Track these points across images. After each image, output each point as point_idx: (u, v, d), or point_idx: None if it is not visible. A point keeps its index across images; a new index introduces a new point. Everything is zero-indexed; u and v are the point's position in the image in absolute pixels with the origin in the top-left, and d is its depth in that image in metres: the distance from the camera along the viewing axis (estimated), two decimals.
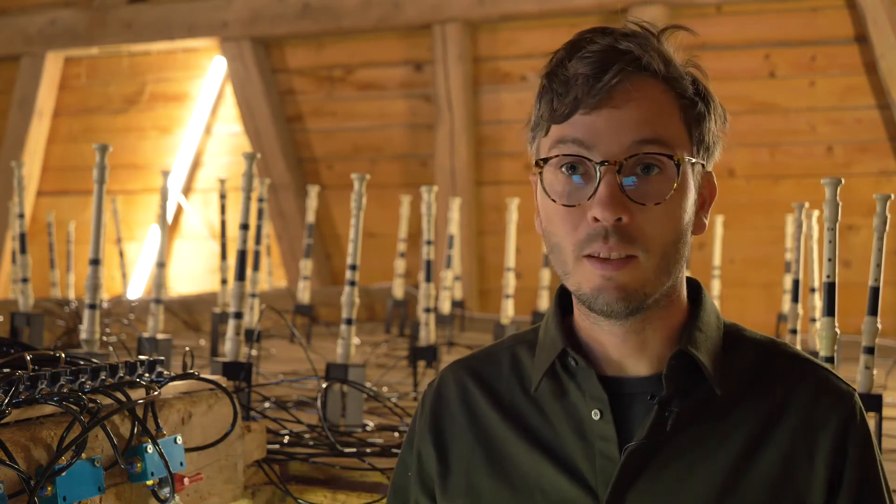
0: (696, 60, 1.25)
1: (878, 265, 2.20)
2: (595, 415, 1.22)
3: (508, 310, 3.99)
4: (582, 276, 1.19)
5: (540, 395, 1.27)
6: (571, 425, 1.24)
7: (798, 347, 2.76)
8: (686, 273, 1.28)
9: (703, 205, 1.26)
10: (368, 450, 2.25)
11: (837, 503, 1.20)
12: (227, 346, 2.43)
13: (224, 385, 1.84)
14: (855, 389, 1.26)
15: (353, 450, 2.24)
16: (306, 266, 4.35)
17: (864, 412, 1.25)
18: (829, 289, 2.10)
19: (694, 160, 1.22)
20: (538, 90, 1.24)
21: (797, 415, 1.21)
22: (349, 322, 2.53)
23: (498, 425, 1.29)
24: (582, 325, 1.27)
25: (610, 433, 1.21)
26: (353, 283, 2.56)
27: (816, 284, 3.18)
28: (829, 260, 2.10)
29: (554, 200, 1.20)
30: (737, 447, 1.20)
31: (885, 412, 2.27)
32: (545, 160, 1.21)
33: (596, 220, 1.16)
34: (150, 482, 1.61)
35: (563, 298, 1.31)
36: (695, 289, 1.29)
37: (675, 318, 1.25)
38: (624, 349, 1.24)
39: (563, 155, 1.19)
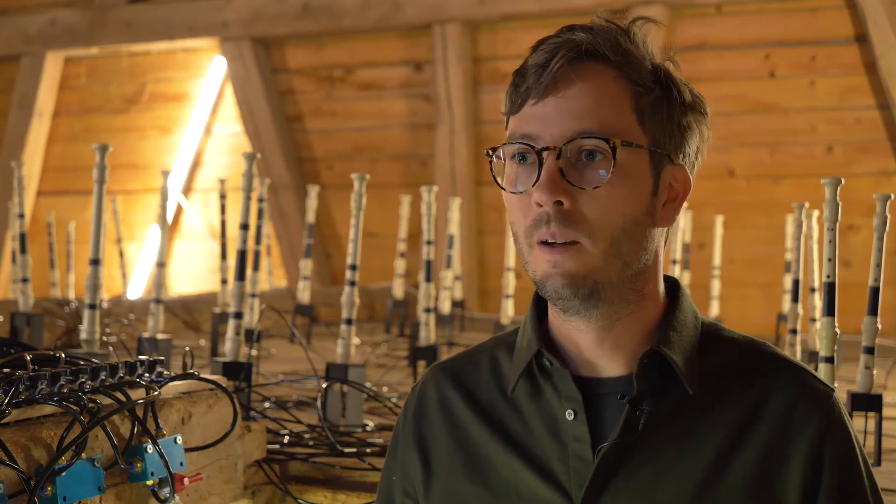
0: (671, 54, 1.25)
1: (878, 265, 2.20)
2: (569, 415, 1.22)
3: (508, 310, 3.99)
4: (535, 262, 1.21)
5: (517, 396, 1.28)
6: (546, 426, 1.24)
7: (792, 348, 2.78)
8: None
9: (673, 198, 1.24)
10: (368, 450, 2.25)
11: None
12: (227, 346, 2.43)
13: (224, 385, 1.84)
14: (833, 389, 1.24)
15: (353, 450, 2.24)
16: (306, 266, 4.34)
17: (844, 412, 1.23)
18: (829, 289, 2.10)
19: (644, 146, 1.20)
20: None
21: (774, 416, 1.21)
22: (349, 322, 2.53)
23: (476, 429, 1.29)
24: (556, 324, 1.27)
25: (583, 434, 1.21)
26: (353, 283, 2.56)
27: (816, 284, 3.18)
28: (829, 260, 2.10)
29: (504, 189, 1.23)
30: (713, 447, 1.20)
31: (885, 412, 2.27)
32: (494, 149, 1.24)
33: (539, 205, 1.18)
34: (150, 482, 1.61)
35: (540, 300, 1.31)
36: (673, 287, 1.29)
37: (650, 316, 1.25)
38: (598, 349, 1.24)
39: (511, 143, 1.22)
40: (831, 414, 1.21)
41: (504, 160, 1.24)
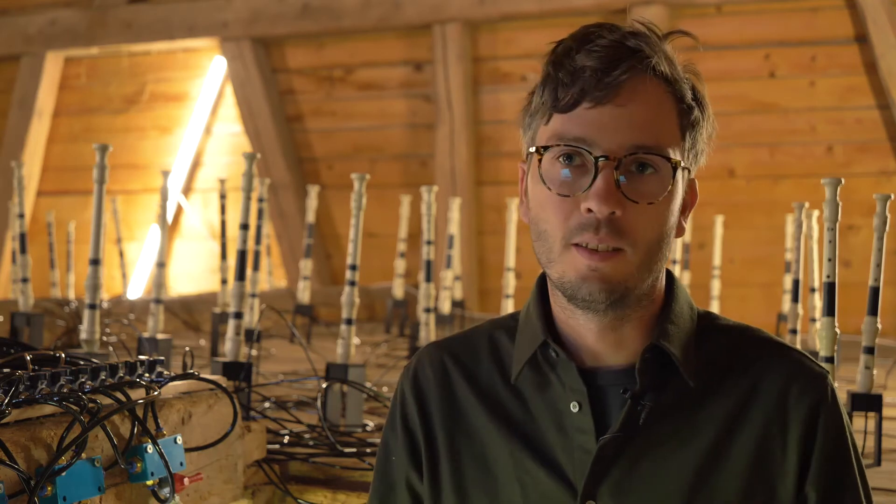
0: (693, 66, 1.26)
1: (878, 265, 2.20)
2: (574, 407, 1.23)
3: (508, 310, 3.98)
4: (568, 264, 1.20)
5: (521, 385, 1.28)
6: (552, 418, 1.25)
7: (797, 347, 2.77)
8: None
9: (684, 209, 1.27)
10: (368, 450, 2.25)
11: (806, 485, 1.21)
12: (227, 346, 2.43)
13: (224, 385, 1.84)
14: (828, 372, 1.26)
15: (353, 450, 2.24)
16: (306, 266, 4.34)
17: (836, 393, 1.25)
18: (829, 289, 2.10)
19: (685, 165, 1.24)
20: (542, 78, 1.25)
21: (769, 399, 1.22)
22: (349, 322, 2.53)
23: (478, 414, 1.29)
24: (561, 316, 1.28)
25: (588, 426, 1.22)
26: (353, 283, 2.56)
27: (816, 284, 3.18)
28: (829, 260, 2.10)
29: (549, 189, 1.21)
30: (711, 435, 1.21)
31: (885, 412, 2.27)
32: (545, 148, 1.22)
33: (590, 211, 1.18)
34: (150, 482, 1.61)
35: (544, 285, 1.31)
36: (668, 280, 1.30)
37: (653, 313, 1.26)
38: (600, 343, 1.25)
39: (565, 145, 1.20)
40: (825, 394, 1.23)
41: (542, 156, 1.23)
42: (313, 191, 4.34)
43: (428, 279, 3.12)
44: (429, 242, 3.13)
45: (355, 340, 2.62)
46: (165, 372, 1.74)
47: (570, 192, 1.19)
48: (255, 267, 3.31)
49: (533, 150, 1.24)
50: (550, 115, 1.23)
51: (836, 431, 1.22)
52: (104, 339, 3.35)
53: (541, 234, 1.23)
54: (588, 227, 1.18)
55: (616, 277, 1.19)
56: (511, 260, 4.04)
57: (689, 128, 1.24)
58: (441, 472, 1.30)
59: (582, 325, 1.24)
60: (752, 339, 1.28)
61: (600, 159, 1.18)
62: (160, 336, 3.04)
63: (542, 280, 1.32)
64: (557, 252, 1.21)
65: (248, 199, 2.52)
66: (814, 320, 3.26)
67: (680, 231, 1.27)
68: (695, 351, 1.25)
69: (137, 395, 1.63)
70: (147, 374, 1.70)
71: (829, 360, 2.06)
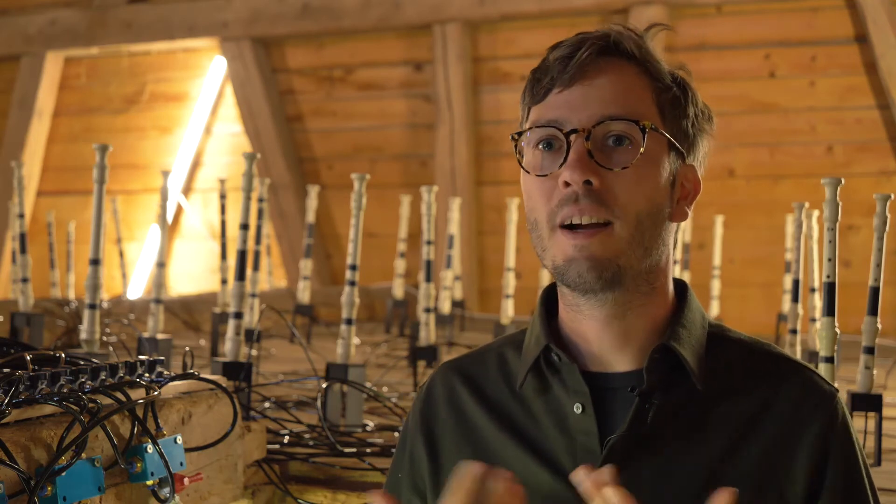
0: (683, 63, 1.29)
1: (878, 265, 2.20)
2: (577, 409, 1.23)
3: (508, 310, 3.99)
4: (556, 248, 1.22)
5: (525, 392, 1.29)
6: (554, 421, 1.26)
7: (792, 348, 2.77)
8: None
9: (685, 196, 1.28)
10: (368, 450, 2.25)
11: None
12: (227, 346, 2.43)
13: (224, 385, 1.84)
14: (837, 390, 1.27)
15: (353, 450, 2.24)
16: (306, 266, 4.35)
17: (847, 412, 1.25)
18: (829, 289, 2.10)
19: (666, 135, 1.24)
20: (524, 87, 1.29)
21: (780, 415, 1.22)
22: (349, 322, 2.53)
23: (484, 424, 1.30)
24: (566, 319, 1.28)
25: (591, 427, 1.22)
26: (353, 283, 2.56)
27: (816, 284, 3.18)
28: (829, 260, 2.10)
29: (528, 172, 1.25)
30: (719, 443, 1.21)
31: (885, 412, 2.27)
32: (519, 134, 1.27)
33: (567, 184, 1.20)
34: (150, 482, 1.61)
35: (549, 300, 1.33)
36: (681, 288, 1.31)
37: (660, 312, 1.27)
38: (606, 339, 1.25)
39: (537, 127, 1.24)
40: (835, 413, 1.23)
41: (524, 149, 1.26)
42: (313, 191, 4.35)
43: (428, 279, 3.12)
44: (429, 242, 3.13)
45: (355, 340, 2.62)
46: (165, 372, 1.74)
47: (548, 171, 1.22)
48: (255, 267, 3.31)
49: (512, 137, 1.28)
50: (529, 110, 1.27)
51: (847, 451, 1.22)
52: (104, 339, 3.35)
53: (533, 224, 1.25)
54: (568, 201, 1.20)
55: (604, 255, 1.20)
56: (511, 260, 4.04)
57: (667, 105, 1.25)
58: (445, 487, 1.31)
59: (587, 316, 1.25)
60: (764, 354, 1.28)
61: (571, 134, 1.21)
62: (160, 336, 3.04)
63: (547, 292, 1.33)
64: (547, 237, 1.23)
65: (248, 199, 2.52)
66: (814, 320, 3.26)
67: (680, 215, 1.27)
68: (705, 358, 1.25)
69: (137, 395, 1.63)
70: (147, 374, 1.70)
71: (829, 360, 2.06)
